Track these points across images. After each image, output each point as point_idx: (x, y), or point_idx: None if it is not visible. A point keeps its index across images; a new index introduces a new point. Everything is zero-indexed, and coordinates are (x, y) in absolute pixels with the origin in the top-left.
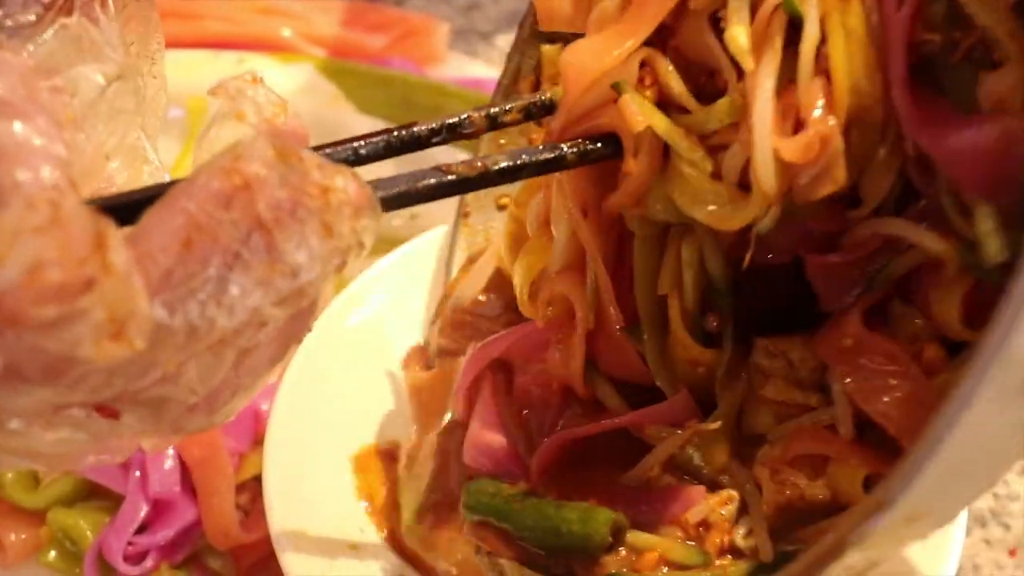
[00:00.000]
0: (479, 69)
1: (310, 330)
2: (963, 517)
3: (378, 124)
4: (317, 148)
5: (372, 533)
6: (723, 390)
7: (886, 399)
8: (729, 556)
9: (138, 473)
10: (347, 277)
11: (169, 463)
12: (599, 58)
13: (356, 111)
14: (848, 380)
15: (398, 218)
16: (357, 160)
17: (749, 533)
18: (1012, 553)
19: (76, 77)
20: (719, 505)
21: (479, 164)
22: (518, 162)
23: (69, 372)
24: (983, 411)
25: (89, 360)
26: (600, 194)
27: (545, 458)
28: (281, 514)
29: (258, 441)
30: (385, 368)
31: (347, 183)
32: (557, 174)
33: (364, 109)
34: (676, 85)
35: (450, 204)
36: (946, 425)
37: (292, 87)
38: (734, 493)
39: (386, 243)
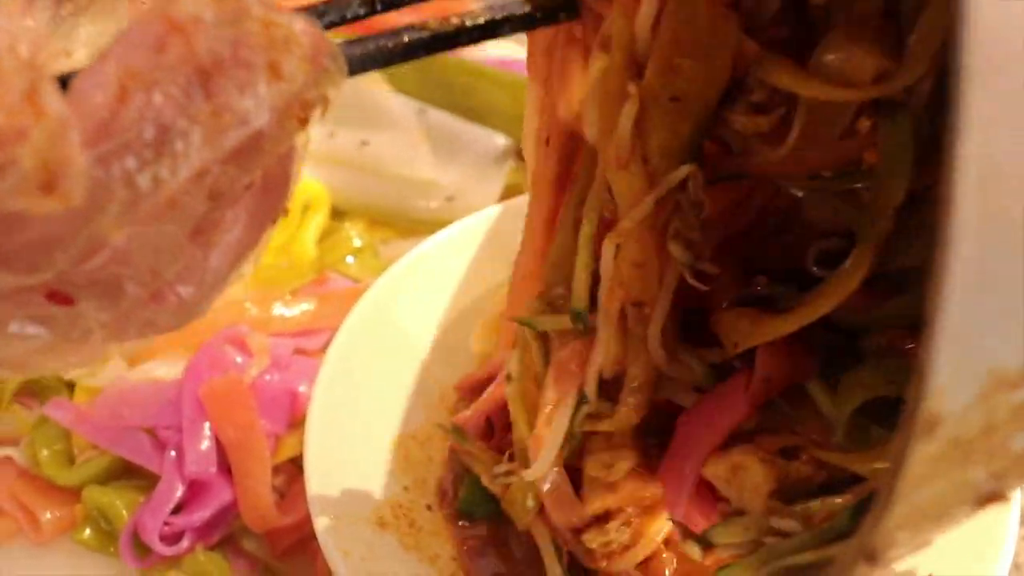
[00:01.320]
0: (513, 49)
1: (285, 213)
2: (1016, 512)
3: (413, 103)
4: None
5: (413, 516)
6: None
7: None
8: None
9: (174, 453)
10: (388, 260)
11: (205, 444)
12: None
13: (391, 90)
14: None
15: (435, 200)
16: None
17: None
18: None
19: None
20: None
21: (455, 20)
22: (499, 17)
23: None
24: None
25: (21, 215)
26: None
27: None
28: (321, 496)
29: (295, 423)
30: (428, 352)
31: (294, 21)
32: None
33: (399, 88)
34: None
35: (490, 187)
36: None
37: None
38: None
39: (424, 226)
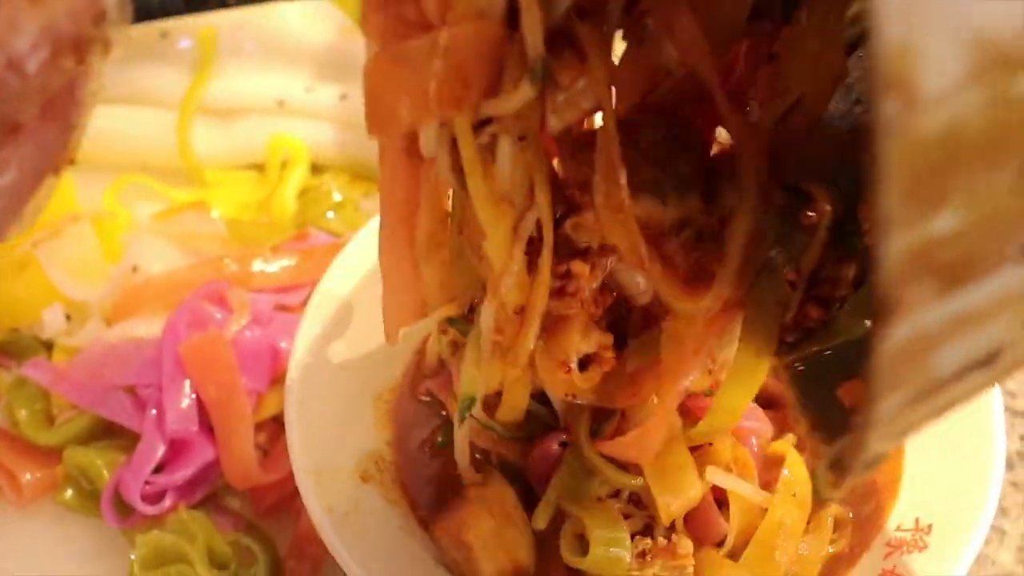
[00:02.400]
0: None
1: (71, 163)
2: (1002, 457)
3: None
4: None
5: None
6: None
7: None
8: None
9: (154, 412)
10: (368, 214)
11: (186, 402)
12: None
13: None
14: None
15: None
16: None
17: None
18: None
19: None
20: None
21: None
22: None
23: None
24: None
25: None
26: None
27: None
28: (303, 452)
29: (276, 380)
30: None
31: None
32: None
33: None
34: None
35: None
36: None
37: (305, 18)
38: None
39: None
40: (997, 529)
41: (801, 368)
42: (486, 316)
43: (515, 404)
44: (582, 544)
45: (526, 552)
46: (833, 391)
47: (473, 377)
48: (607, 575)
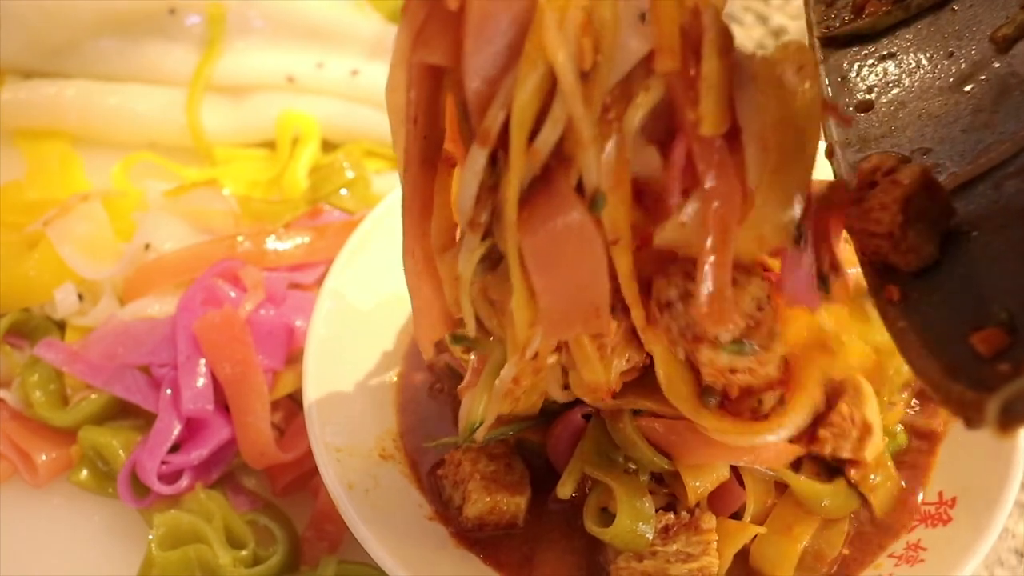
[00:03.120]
0: None
1: None
2: None
3: None
4: None
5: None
6: None
7: None
8: None
9: (169, 391)
10: (381, 191)
11: (201, 381)
12: None
13: (383, 20)
14: None
15: None
16: None
17: None
18: None
19: None
20: None
21: None
22: None
23: None
24: None
25: None
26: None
27: None
28: (322, 430)
29: (292, 358)
30: None
31: None
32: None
33: (391, 18)
34: None
35: None
36: None
37: None
38: None
39: None
40: (1018, 503)
41: (907, 324)
42: (506, 371)
43: (529, 408)
44: (604, 516)
45: (519, 502)
46: (964, 342)
47: (483, 408)
48: (628, 548)
